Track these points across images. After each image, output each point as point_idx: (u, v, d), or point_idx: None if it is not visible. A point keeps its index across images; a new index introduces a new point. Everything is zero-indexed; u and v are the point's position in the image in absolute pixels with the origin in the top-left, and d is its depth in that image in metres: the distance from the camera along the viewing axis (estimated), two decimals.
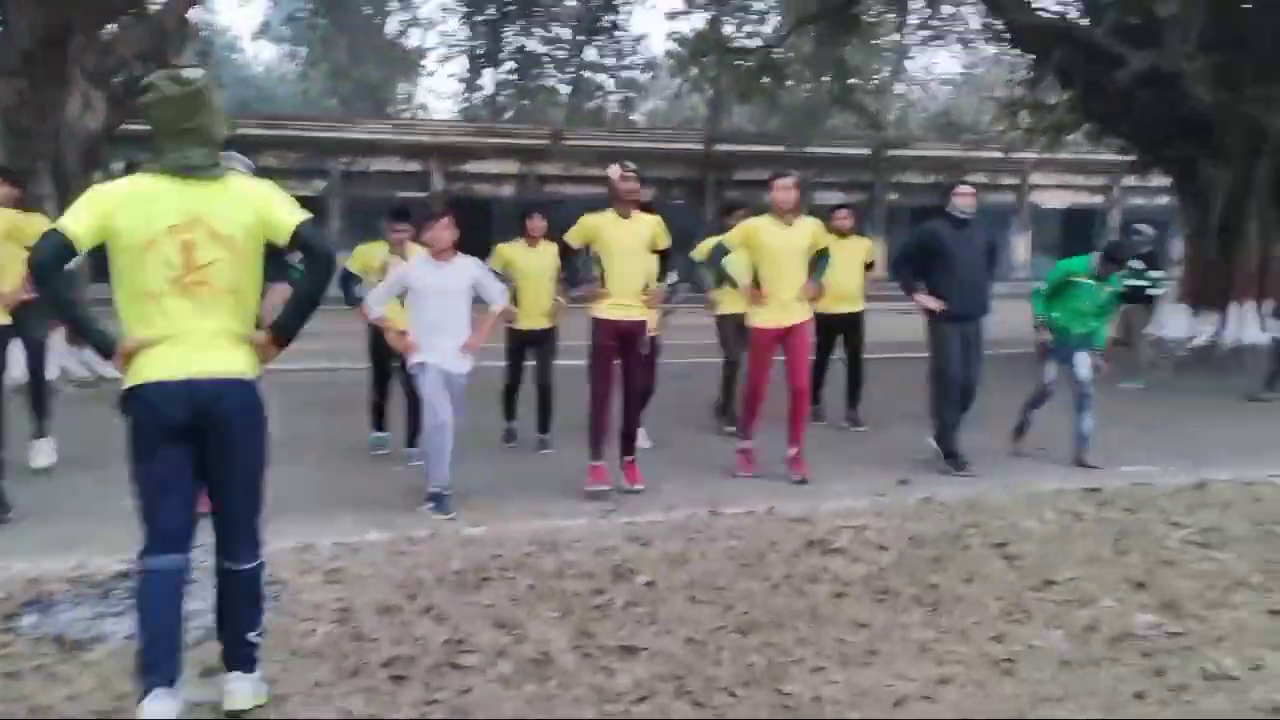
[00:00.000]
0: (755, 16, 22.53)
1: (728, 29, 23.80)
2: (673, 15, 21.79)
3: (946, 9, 18.89)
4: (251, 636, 3.30)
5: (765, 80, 19.91)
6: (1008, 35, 15.39)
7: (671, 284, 7.17)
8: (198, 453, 3.11)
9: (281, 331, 3.27)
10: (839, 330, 8.37)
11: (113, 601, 4.26)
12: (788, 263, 6.51)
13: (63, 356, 10.35)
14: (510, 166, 28.83)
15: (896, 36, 21.31)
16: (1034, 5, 14.46)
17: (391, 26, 38.96)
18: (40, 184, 10.10)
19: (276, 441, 5.37)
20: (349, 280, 7.04)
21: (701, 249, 7.63)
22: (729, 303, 7.66)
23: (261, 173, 5.56)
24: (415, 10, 37.53)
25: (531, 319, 7.41)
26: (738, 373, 7.86)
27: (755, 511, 5.68)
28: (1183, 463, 7.14)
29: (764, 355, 6.60)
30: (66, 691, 3.42)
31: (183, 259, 3.04)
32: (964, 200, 6.93)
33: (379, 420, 7.52)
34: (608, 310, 6.23)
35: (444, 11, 39.54)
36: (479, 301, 6.09)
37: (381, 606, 4.22)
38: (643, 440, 7.54)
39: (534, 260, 7.35)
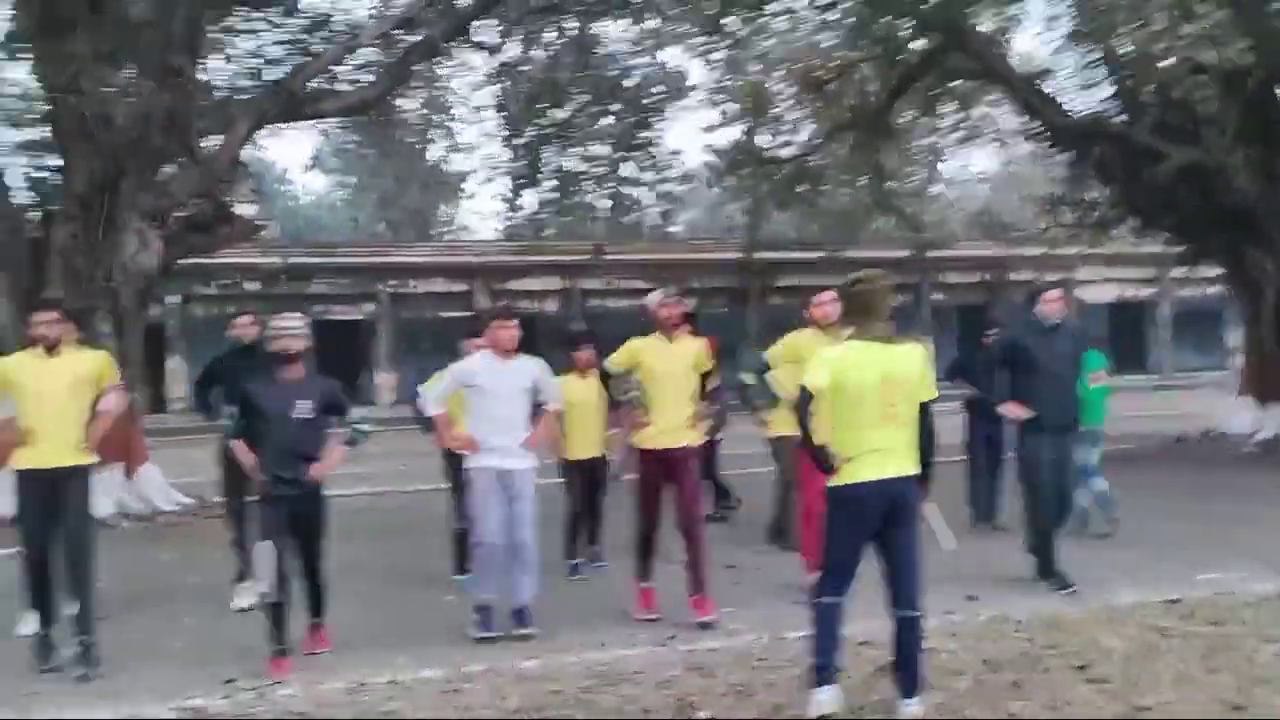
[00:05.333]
0: (789, 126, 22.89)
1: (762, 139, 24.28)
2: (708, 129, 22.15)
3: (979, 111, 19.04)
4: None
5: (802, 188, 20.14)
6: (1044, 134, 15.47)
7: (717, 406, 7.02)
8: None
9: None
10: None
11: None
12: None
13: (120, 490, 10.44)
14: (553, 283, 29.29)
15: (931, 139, 21.46)
16: (1068, 105, 14.56)
17: (434, 153, 40.18)
18: (98, 323, 10.34)
19: (332, 570, 5.28)
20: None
21: (746, 368, 7.61)
22: (782, 423, 7.55)
23: (313, 298, 5.72)
24: (457, 137, 38.65)
25: (582, 449, 7.36)
26: (792, 493, 7.69)
27: None
28: (1262, 567, 6.81)
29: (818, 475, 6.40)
30: None
31: (882, 401, 4.23)
32: (1050, 307, 6.68)
33: (463, 561, 7.11)
34: (653, 439, 6.10)
35: (484, 136, 40.80)
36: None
37: None
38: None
39: (583, 391, 7.29)
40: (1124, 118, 13.94)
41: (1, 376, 5.51)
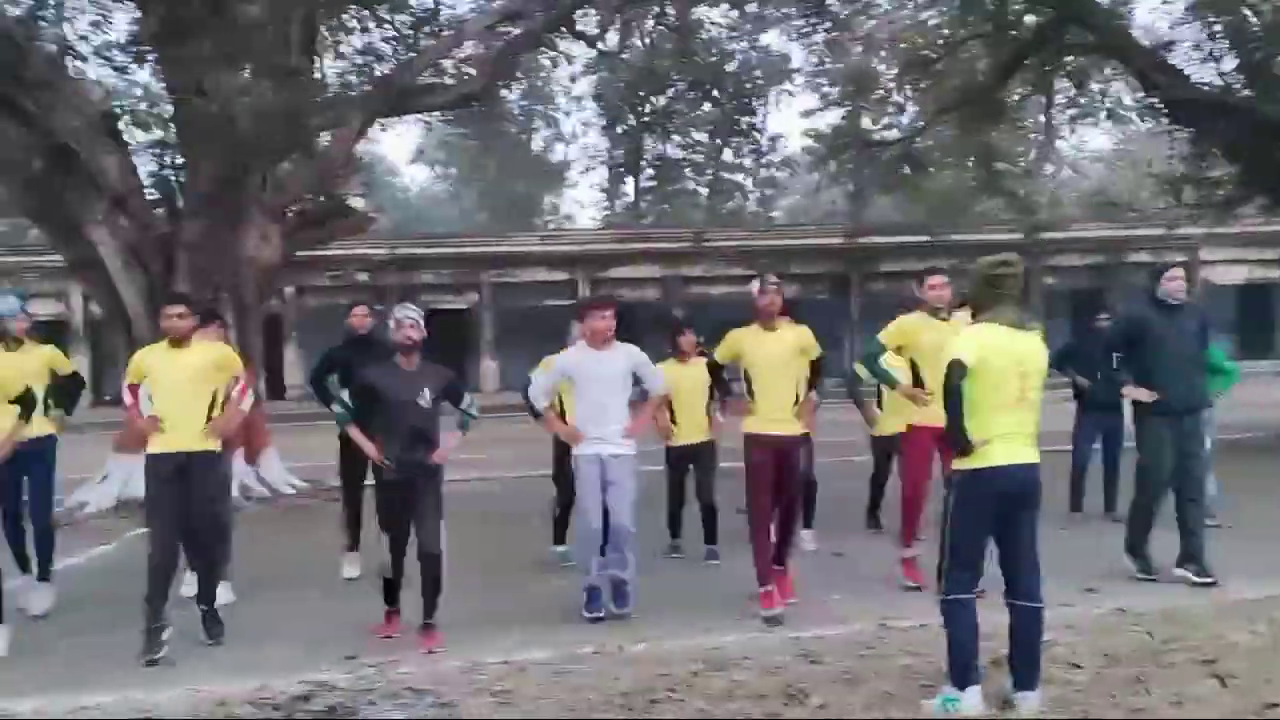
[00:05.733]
0: (893, 108, 22.45)
1: (865, 122, 23.90)
2: (809, 113, 21.89)
3: (1095, 86, 18.38)
4: None
5: (906, 170, 19.77)
6: (1165, 110, 14.84)
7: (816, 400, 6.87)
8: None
9: None
10: None
11: None
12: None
13: (243, 473, 10.89)
14: (653, 270, 29.37)
15: (1042, 118, 20.81)
16: (1191, 79, 13.94)
17: (536, 143, 40.71)
18: (221, 314, 10.78)
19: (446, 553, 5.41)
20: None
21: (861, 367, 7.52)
22: (887, 423, 7.52)
23: (419, 288, 5.94)
24: (558, 126, 39.11)
25: (688, 434, 7.41)
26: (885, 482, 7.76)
27: (929, 625, 5.39)
28: None
29: (925, 455, 6.30)
30: None
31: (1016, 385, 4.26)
32: (1173, 285, 6.46)
33: (561, 533, 7.44)
34: (759, 426, 6.08)
35: (585, 125, 41.21)
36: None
37: None
38: (809, 543, 7.43)
39: (686, 376, 7.33)
40: (1250, 91, 13.29)
41: (137, 367, 5.89)
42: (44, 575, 6.64)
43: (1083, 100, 18.99)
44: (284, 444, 12.50)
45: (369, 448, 5.73)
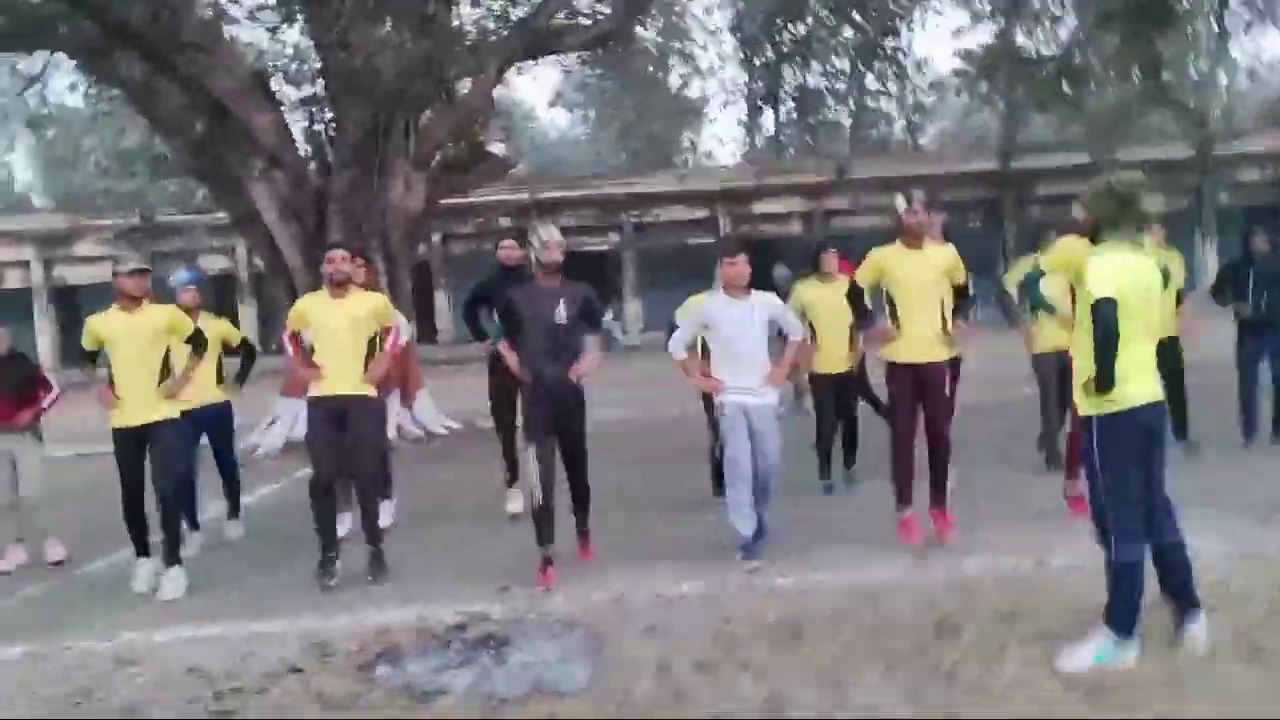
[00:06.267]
0: (1049, 21, 21.13)
1: (1019, 38, 22.59)
2: (958, 32, 20.87)
3: None
4: None
5: (1065, 87, 18.70)
6: None
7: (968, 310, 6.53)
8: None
9: None
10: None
11: (452, 653, 4.52)
12: None
13: (398, 415, 11.33)
14: (796, 204, 28.86)
15: (1214, 25, 19.28)
16: None
17: (673, 80, 40.28)
18: (372, 259, 11.16)
19: (596, 492, 5.53)
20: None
21: (1013, 275, 7.14)
22: (1047, 338, 7.11)
23: (561, 232, 6.04)
24: (695, 62, 38.54)
25: (833, 361, 7.25)
26: (1062, 411, 7.28)
27: (1089, 562, 5.13)
28: None
29: None
30: None
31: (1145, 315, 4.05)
32: None
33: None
34: (903, 353, 5.90)
35: (722, 60, 40.59)
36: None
37: (700, 662, 4.19)
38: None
39: (830, 296, 7.14)
40: None
41: (299, 315, 6.17)
42: (234, 509, 7.43)
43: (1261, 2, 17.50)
44: (436, 386, 12.92)
45: (512, 362, 5.89)
